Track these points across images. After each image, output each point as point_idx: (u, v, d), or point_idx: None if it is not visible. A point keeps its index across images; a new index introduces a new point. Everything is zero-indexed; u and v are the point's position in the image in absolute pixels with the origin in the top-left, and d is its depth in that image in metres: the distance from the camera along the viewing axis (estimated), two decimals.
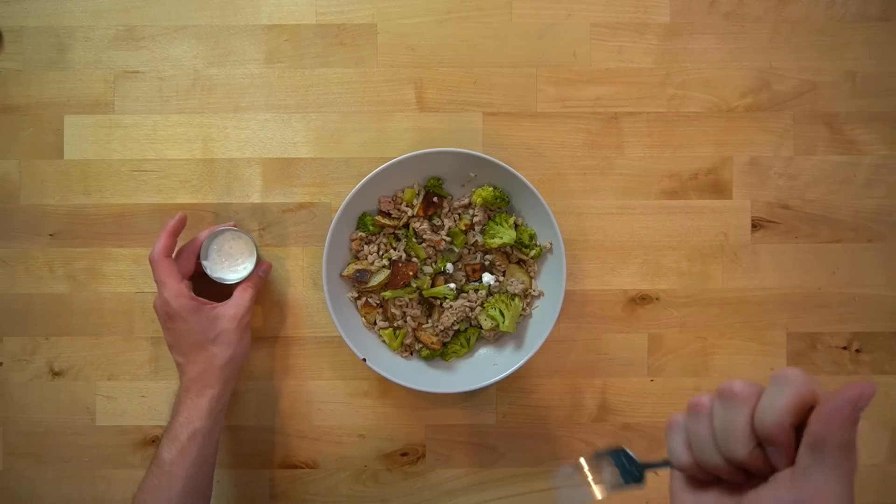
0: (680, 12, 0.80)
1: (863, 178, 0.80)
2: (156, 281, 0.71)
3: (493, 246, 0.76)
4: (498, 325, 0.75)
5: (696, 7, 0.80)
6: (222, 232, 0.75)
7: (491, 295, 0.77)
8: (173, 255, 0.73)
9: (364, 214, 0.77)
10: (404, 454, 0.80)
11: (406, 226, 0.78)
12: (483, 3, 0.80)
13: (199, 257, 0.74)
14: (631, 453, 0.50)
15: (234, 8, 0.80)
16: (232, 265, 0.75)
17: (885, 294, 0.80)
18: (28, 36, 0.80)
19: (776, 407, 0.34)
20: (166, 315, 0.70)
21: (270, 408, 0.80)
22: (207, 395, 0.69)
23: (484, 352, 0.78)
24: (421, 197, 0.77)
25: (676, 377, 0.80)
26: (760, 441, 0.35)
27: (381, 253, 0.77)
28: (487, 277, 0.77)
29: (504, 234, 0.75)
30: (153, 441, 0.79)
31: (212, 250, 0.75)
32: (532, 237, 0.76)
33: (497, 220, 0.76)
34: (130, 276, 0.80)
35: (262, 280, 0.78)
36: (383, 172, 0.73)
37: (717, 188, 0.80)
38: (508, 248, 0.77)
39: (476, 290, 0.77)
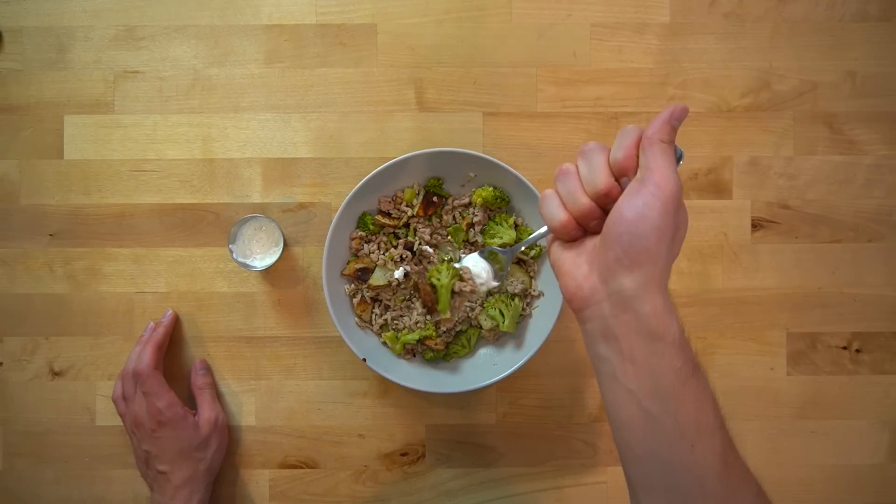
0: (680, 12, 0.80)
1: (863, 178, 0.80)
2: (144, 392, 0.72)
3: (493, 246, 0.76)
4: (498, 325, 0.75)
5: (696, 7, 0.80)
6: (249, 220, 0.76)
7: (491, 295, 0.77)
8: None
9: (364, 214, 0.77)
10: (404, 454, 0.80)
11: (406, 225, 0.78)
12: (483, 3, 0.80)
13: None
14: (499, 250, 0.72)
15: (234, 8, 0.80)
16: (259, 253, 0.76)
17: (885, 294, 0.80)
18: (28, 36, 0.80)
19: (623, 146, 0.46)
20: (158, 424, 0.72)
21: (270, 408, 0.80)
22: (196, 500, 0.72)
23: (484, 352, 0.78)
24: (421, 197, 0.77)
25: None
26: (616, 175, 0.47)
27: (381, 251, 0.77)
28: None
29: (504, 234, 0.75)
30: None
31: (239, 237, 0.76)
32: None
33: (497, 220, 0.76)
34: (130, 276, 0.80)
35: (209, 379, 0.79)
36: (383, 172, 0.74)
37: (717, 188, 0.80)
38: None
39: None
